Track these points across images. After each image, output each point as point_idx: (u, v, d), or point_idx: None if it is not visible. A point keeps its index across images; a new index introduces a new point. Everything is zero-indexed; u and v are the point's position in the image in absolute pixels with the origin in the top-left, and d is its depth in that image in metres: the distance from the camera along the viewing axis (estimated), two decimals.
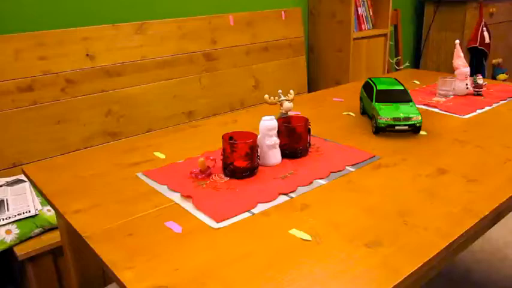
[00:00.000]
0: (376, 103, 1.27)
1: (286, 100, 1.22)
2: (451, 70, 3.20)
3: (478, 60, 3.20)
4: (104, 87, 1.89)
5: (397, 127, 1.21)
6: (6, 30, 1.66)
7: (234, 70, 2.32)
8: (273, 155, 1.08)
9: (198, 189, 0.95)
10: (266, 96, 1.21)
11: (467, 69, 1.62)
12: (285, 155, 1.10)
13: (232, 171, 1.00)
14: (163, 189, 0.96)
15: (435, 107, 1.51)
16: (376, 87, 1.32)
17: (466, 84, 1.62)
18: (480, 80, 1.63)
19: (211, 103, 2.25)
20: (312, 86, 2.82)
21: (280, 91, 1.25)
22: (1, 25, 1.67)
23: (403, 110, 1.22)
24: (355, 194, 0.93)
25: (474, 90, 1.64)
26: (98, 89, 1.87)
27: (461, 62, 1.63)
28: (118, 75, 1.92)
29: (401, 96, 1.28)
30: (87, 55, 1.82)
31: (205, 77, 2.22)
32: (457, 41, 1.63)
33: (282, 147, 1.10)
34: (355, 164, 1.07)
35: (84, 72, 1.83)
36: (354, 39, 2.51)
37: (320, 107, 1.55)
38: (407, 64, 3.16)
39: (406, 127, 1.21)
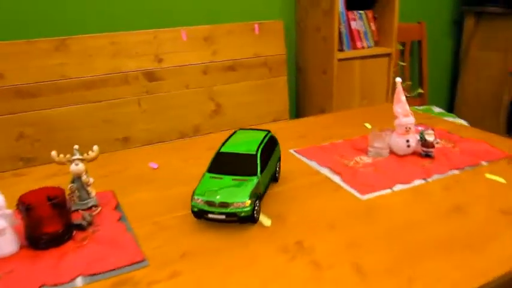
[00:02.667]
0: (208, 173, 0.94)
1: (78, 160, 0.95)
2: (494, 99, 2.57)
3: None
4: (14, 108, 1.74)
5: (210, 215, 0.87)
6: None
7: (185, 92, 2.05)
8: (4, 243, 0.82)
9: None
10: (53, 153, 0.95)
11: (409, 120, 1.19)
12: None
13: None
14: None
15: (339, 174, 1.12)
16: (220, 148, 0.98)
17: (407, 141, 1.19)
18: (430, 136, 1.19)
19: (154, 129, 2.02)
20: (300, 111, 2.45)
21: (76, 147, 0.97)
22: None
23: (226, 191, 0.88)
24: None
25: (422, 150, 1.20)
26: (7, 111, 1.73)
27: (400, 110, 1.20)
28: (32, 96, 1.76)
29: (243, 167, 0.93)
30: None
31: (147, 99, 1.99)
32: (398, 79, 1.21)
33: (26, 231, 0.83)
34: None
35: None
36: (340, 60, 2.10)
37: None
38: (419, 91, 2.61)
39: (223, 216, 0.87)
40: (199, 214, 0.89)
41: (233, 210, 0.87)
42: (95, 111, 1.90)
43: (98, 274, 0.76)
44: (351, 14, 2.14)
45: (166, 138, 2.05)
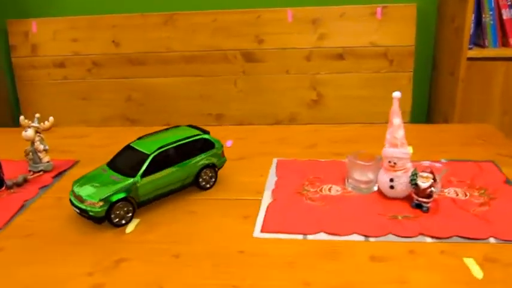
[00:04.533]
0: (105, 164, 0.94)
1: (34, 127, 1.08)
2: None
3: None
4: (126, 73, 2.03)
5: (72, 205, 0.88)
6: (48, 14, 2.01)
7: (285, 77, 1.98)
8: None
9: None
10: (21, 117, 1.10)
11: (395, 153, 0.89)
12: None
13: None
14: None
15: (275, 199, 0.94)
16: (134, 141, 0.95)
17: (391, 181, 0.90)
18: (425, 180, 0.87)
19: (247, 110, 2.03)
20: (430, 117, 2.04)
21: (37, 115, 1.10)
22: (44, 10, 2.04)
23: (92, 186, 0.86)
24: None
25: (415, 198, 0.89)
26: (120, 75, 2.03)
27: (389, 136, 0.91)
28: (141, 64, 2.01)
29: (129, 165, 0.89)
30: (113, 41, 1.99)
31: (243, 79, 2.00)
32: (397, 94, 0.90)
33: None
34: None
35: (109, 57, 2.02)
36: (472, 59, 1.64)
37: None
38: None
39: (78, 210, 0.86)
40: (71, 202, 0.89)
41: (85, 207, 0.84)
42: (193, 84, 2.02)
43: None
44: (502, 0, 1.61)
45: (260, 121, 2.02)
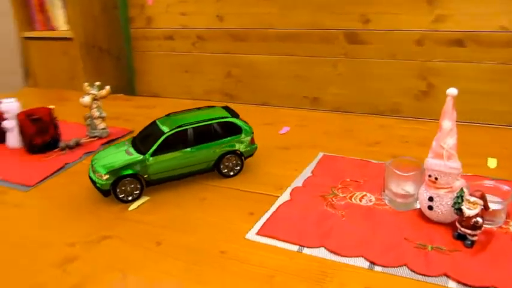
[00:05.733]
0: (130, 138, 0.94)
1: (92, 94, 1.14)
2: None
3: None
4: (227, 49, 2.04)
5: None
6: None
7: (390, 62, 1.78)
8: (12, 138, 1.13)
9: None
10: (85, 84, 1.17)
11: (437, 165, 0.72)
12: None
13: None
14: None
15: (292, 197, 0.84)
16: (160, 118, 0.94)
17: (430, 200, 0.74)
18: (471, 206, 0.69)
19: (345, 96, 1.89)
20: None
21: (97, 83, 1.15)
22: None
23: (106, 159, 0.87)
24: None
25: (458, 227, 0.72)
26: (222, 50, 2.05)
27: (435, 143, 0.74)
28: (242, 40, 2.00)
29: (146, 142, 0.88)
30: (217, 16, 2.01)
31: (344, 62, 1.86)
32: (452, 91, 0.72)
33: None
34: None
35: (213, 32, 2.05)
36: None
37: None
38: None
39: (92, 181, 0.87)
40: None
41: (94, 178, 0.85)
42: (291, 64, 1.93)
43: None
44: None
45: (357, 109, 1.86)
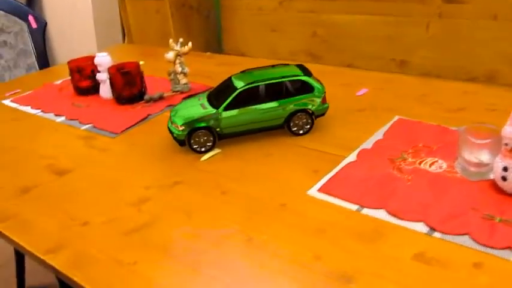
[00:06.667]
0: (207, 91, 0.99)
1: (175, 51, 1.21)
2: None
3: None
4: (313, 7, 2.01)
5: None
6: None
7: (490, 24, 1.65)
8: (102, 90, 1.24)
9: None
10: (170, 40, 1.24)
11: None
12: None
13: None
14: None
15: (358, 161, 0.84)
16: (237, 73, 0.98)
17: (504, 170, 0.71)
18: None
19: (437, 60, 1.79)
20: None
21: (180, 40, 1.21)
22: None
23: (183, 111, 0.93)
24: None
25: None
26: (308, 9, 2.03)
27: None
28: None
29: (221, 97, 0.92)
30: None
31: (437, 23, 1.75)
32: None
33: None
34: None
35: None
36: None
37: None
38: None
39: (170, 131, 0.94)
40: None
41: (171, 128, 0.91)
42: (379, 25, 1.86)
43: None
44: None
45: (449, 75, 1.76)
